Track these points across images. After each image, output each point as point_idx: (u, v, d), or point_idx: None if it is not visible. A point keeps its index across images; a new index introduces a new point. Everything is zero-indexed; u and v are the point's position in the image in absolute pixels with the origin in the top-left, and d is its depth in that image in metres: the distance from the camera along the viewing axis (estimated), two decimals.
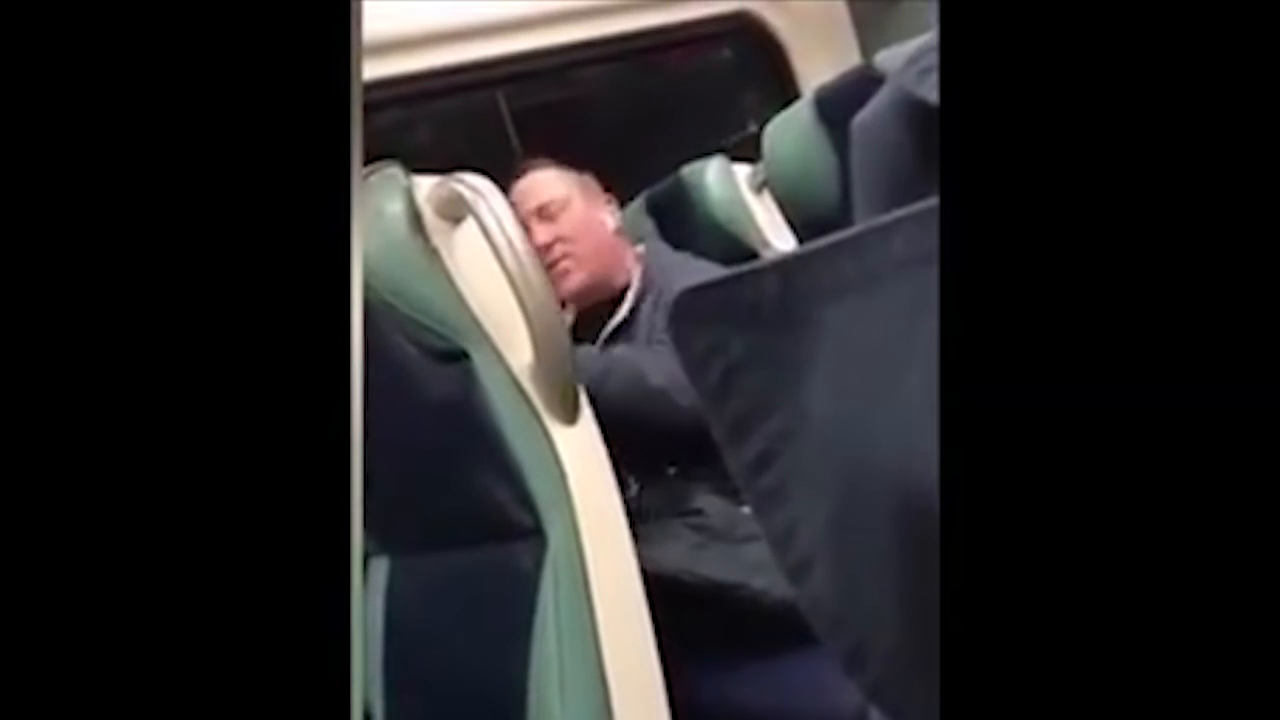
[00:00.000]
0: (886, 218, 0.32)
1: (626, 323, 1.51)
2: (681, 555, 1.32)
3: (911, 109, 0.37)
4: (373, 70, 1.66)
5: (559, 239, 1.50)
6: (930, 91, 0.36)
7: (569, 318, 1.55)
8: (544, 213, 1.51)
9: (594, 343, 1.53)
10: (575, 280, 1.51)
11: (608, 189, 1.63)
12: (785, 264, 0.35)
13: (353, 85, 0.38)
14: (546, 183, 1.53)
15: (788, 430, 0.35)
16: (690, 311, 0.36)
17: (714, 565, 1.30)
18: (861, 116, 0.41)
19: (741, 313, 0.35)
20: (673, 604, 1.24)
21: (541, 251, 1.42)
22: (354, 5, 0.39)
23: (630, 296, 1.52)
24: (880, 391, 0.32)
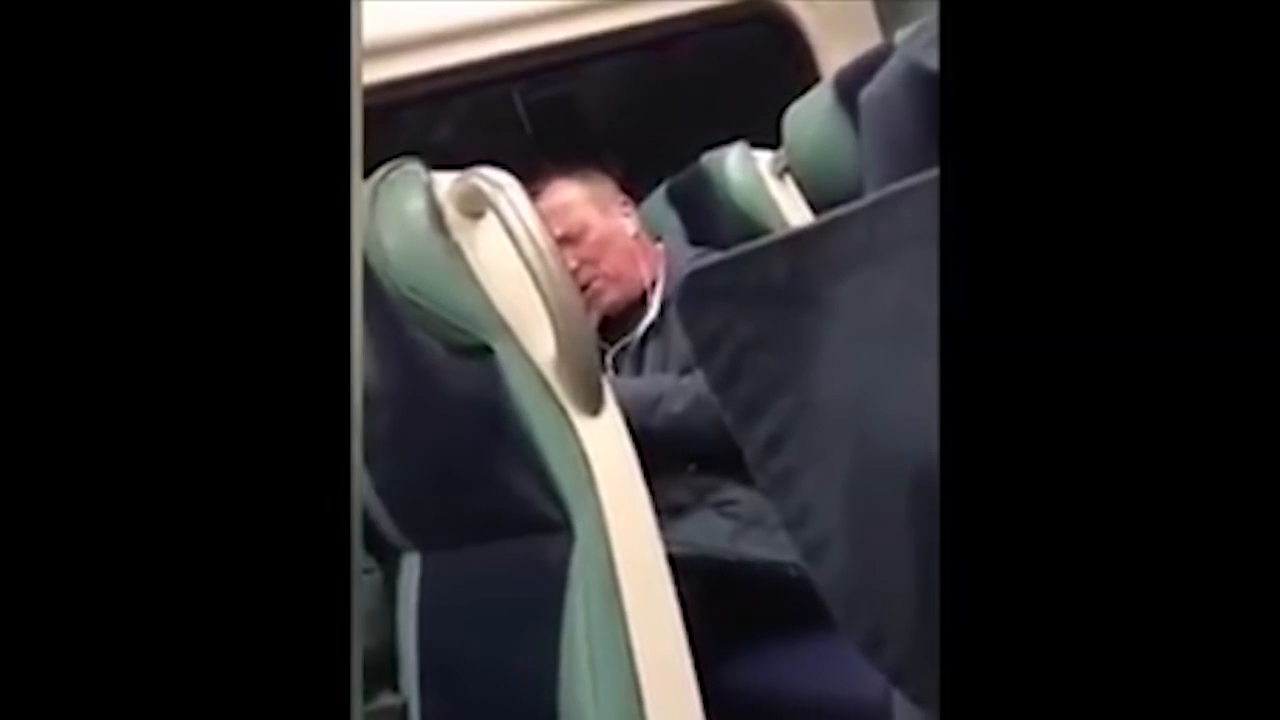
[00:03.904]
0: (894, 188, 0.32)
1: (656, 325, 1.53)
2: (721, 538, 1.32)
3: (919, 79, 0.36)
4: (389, 70, 1.67)
5: (584, 262, 1.54)
6: (937, 61, 0.35)
7: (594, 319, 1.57)
8: (566, 239, 1.55)
9: (614, 344, 1.55)
10: (608, 298, 1.58)
11: (625, 187, 1.65)
12: (793, 240, 0.35)
13: (353, 83, 0.38)
14: (565, 209, 1.57)
15: (799, 411, 0.34)
16: (698, 292, 0.36)
17: (756, 548, 1.30)
18: (870, 89, 0.40)
19: (750, 291, 0.35)
20: (709, 585, 1.25)
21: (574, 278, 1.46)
22: (354, 3, 0.39)
23: (657, 297, 1.54)
24: (893, 367, 0.31)
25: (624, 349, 1.58)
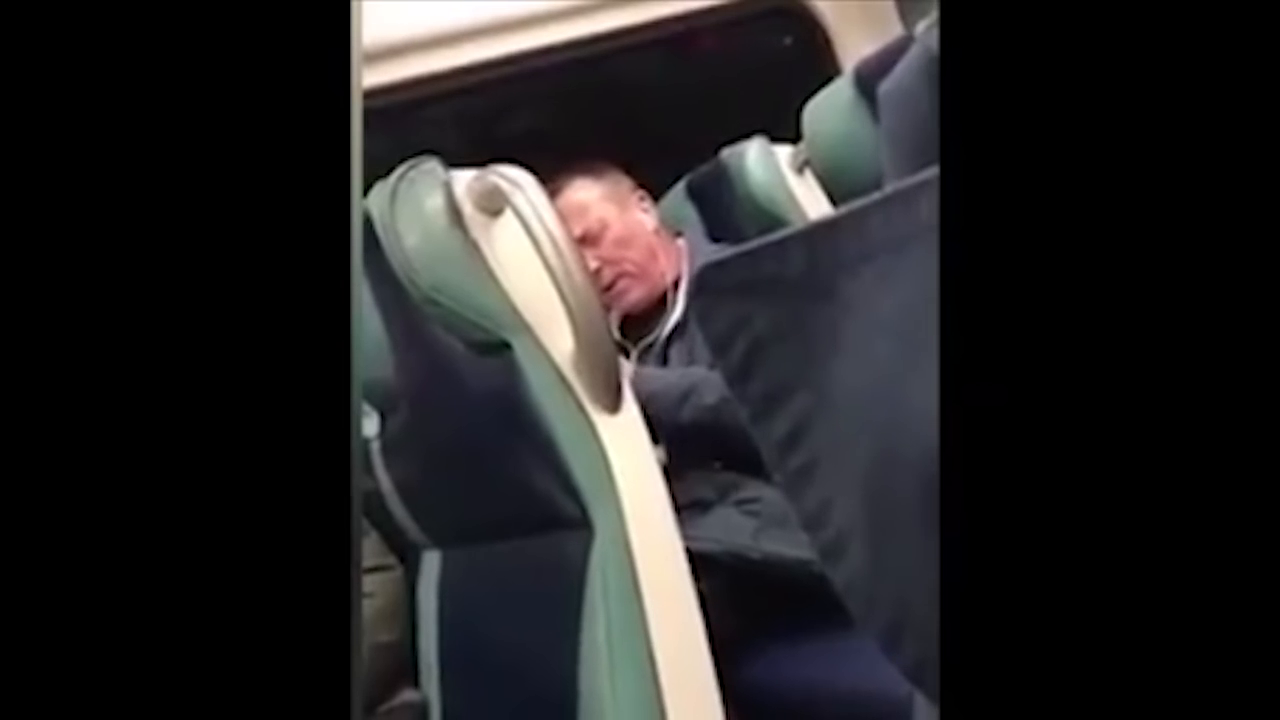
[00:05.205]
0: (911, 181, 0.31)
1: (680, 323, 1.53)
2: (744, 535, 1.32)
3: (936, 69, 0.36)
4: (406, 69, 1.68)
5: (606, 262, 1.54)
6: None
7: (617, 317, 1.57)
8: (586, 239, 1.54)
9: (637, 342, 1.55)
10: (633, 295, 1.57)
11: (640, 183, 1.64)
12: (808, 234, 0.34)
13: (353, 83, 0.38)
14: (583, 208, 1.56)
15: (816, 406, 0.34)
16: (713, 287, 0.35)
17: (779, 545, 1.30)
18: (888, 83, 0.39)
19: (765, 286, 0.34)
20: (734, 581, 1.24)
21: (592, 276, 1.45)
22: (354, 4, 0.39)
23: (682, 295, 1.53)
24: (910, 361, 0.31)
25: (649, 347, 1.58)
